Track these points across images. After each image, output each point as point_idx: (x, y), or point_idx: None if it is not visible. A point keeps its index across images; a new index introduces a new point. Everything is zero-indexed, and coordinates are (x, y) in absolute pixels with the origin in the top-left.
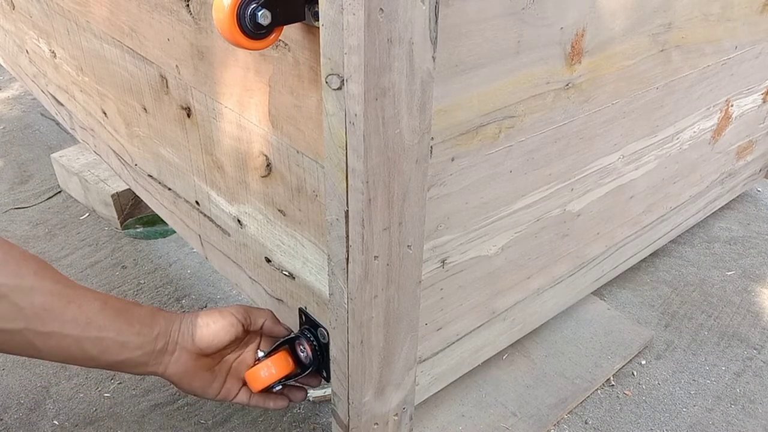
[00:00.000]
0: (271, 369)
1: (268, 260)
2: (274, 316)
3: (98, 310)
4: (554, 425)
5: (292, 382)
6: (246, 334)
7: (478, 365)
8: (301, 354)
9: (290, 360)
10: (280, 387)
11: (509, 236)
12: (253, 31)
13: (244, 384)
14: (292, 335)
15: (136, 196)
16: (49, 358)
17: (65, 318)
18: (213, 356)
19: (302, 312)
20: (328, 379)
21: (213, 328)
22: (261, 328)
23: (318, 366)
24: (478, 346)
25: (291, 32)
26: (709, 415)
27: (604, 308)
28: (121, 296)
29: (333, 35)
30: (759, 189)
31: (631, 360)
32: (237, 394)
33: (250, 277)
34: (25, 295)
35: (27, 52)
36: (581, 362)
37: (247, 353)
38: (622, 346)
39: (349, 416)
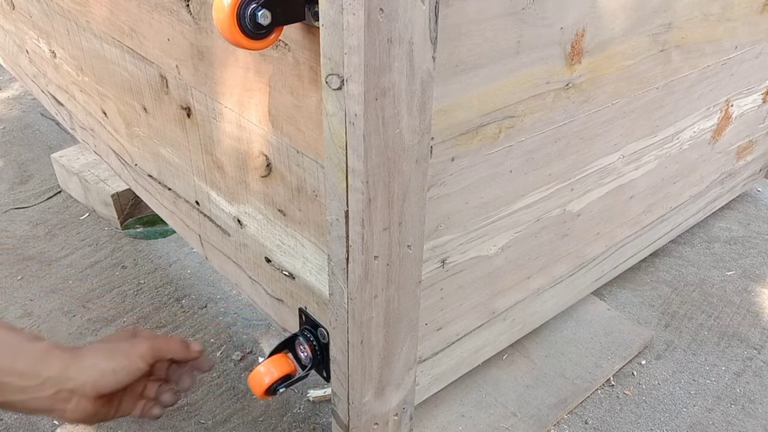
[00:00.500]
0: (272, 370)
1: (268, 260)
2: (185, 344)
3: None
4: (554, 425)
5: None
6: (152, 368)
7: (478, 365)
8: (302, 354)
9: (290, 360)
10: (284, 389)
11: (509, 236)
12: (253, 31)
13: (140, 397)
14: (291, 335)
15: (136, 196)
16: None
17: None
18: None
19: (302, 312)
20: (328, 379)
21: (119, 375)
22: (170, 360)
23: (318, 365)
24: (478, 346)
25: (291, 32)
26: (709, 415)
27: (604, 308)
28: (121, 296)
29: (333, 35)
30: (759, 189)
31: (631, 360)
32: (132, 410)
33: (250, 277)
34: None
35: (27, 52)
36: (581, 362)
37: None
38: (622, 346)
39: (349, 416)
